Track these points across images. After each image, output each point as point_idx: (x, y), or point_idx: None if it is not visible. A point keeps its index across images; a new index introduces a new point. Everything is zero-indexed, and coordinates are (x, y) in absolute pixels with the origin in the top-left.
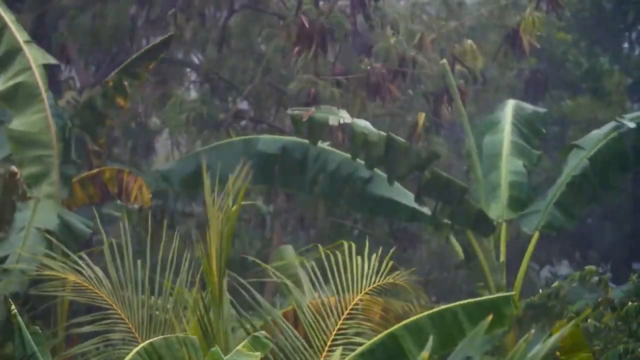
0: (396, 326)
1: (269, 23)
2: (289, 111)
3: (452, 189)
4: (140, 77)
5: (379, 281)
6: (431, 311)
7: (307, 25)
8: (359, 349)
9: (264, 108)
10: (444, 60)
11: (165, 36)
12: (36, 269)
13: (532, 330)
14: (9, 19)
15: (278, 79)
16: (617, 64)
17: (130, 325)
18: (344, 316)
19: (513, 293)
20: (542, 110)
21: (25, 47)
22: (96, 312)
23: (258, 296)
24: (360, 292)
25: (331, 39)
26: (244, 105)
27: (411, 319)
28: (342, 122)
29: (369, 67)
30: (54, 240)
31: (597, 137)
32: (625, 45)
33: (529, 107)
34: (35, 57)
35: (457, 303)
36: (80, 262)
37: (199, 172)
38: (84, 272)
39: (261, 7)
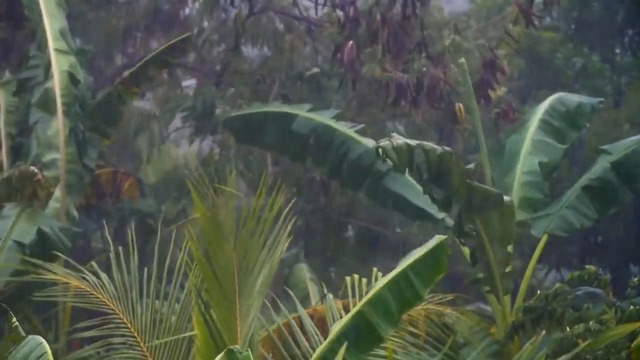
0: (360, 304)
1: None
2: (374, 144)
3: (487, 200)
4: (153, 79)
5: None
6: (386, 280)
7: (379, 20)
8: (331, 335)
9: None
10: (462, 60)
11: (181, 37)
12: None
13: (542, 333)
14: (48, 26)
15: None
16: (607, 64)
17: (132, 330)
18: None
19: (444, 237)
20: (591, 100)
21: (53, 55)
22: (97, 318)
23: (291, 293)
24: None
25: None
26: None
27: (371, 292)
28: (415, 144)
29: (424, 69)
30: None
31: (629, 143)
32: (616, 46)
33: (574, 99)
34: (60, 63)
35: (404, 265)
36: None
37: (254, 129)
38: (87, 278)
39: (279, 9)
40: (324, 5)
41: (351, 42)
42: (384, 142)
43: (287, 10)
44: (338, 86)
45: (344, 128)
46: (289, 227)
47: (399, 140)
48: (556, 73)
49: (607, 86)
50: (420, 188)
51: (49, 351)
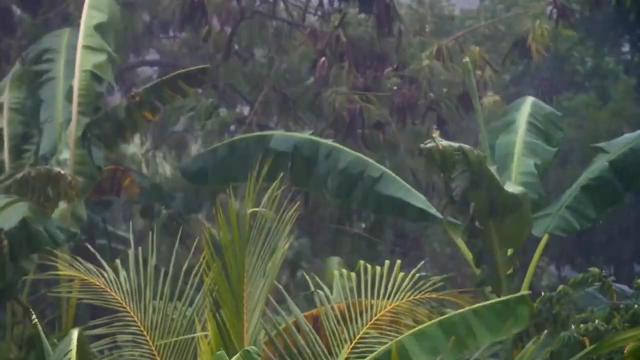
0: (404, 335)
1: (278, 30)
2: (422, 145)
3: (509, 203)
4: (166, 101)
5: (404, 297)
6: (440, 318)
7: (344, 38)
8: None
9: (267, 113)
10: (467, 59)
11: (200, 67)
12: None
13: (545, 332)
14: (84, 20)
15: (284, 83)
16: (619, 65)
17: (141, 327)
18: (367, 325)
19: (526, 293)
20: (557, 113)
21: (80, 52)
22: (104, 314)
23: (288, 297)
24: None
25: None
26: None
27: (419, 327)
28: (456, 146)
29: (394, 87)
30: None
31: (625, 140)
32: (627, 46)
33: (546, 106)
34: (85, 61)
35: (468, 308)
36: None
37: (216, 166)
38: (105, 274)
39: (271, 14)
40: (315, 14)
41: (323, 58)
42: (430, 144)
43: (279, 16)
44: (312, 102)
45: (327, 140)
46: (289, 229)
47: (443, 142)
48: (572, 72)
49: (617, 86)
50: (415, 190)
51: None
